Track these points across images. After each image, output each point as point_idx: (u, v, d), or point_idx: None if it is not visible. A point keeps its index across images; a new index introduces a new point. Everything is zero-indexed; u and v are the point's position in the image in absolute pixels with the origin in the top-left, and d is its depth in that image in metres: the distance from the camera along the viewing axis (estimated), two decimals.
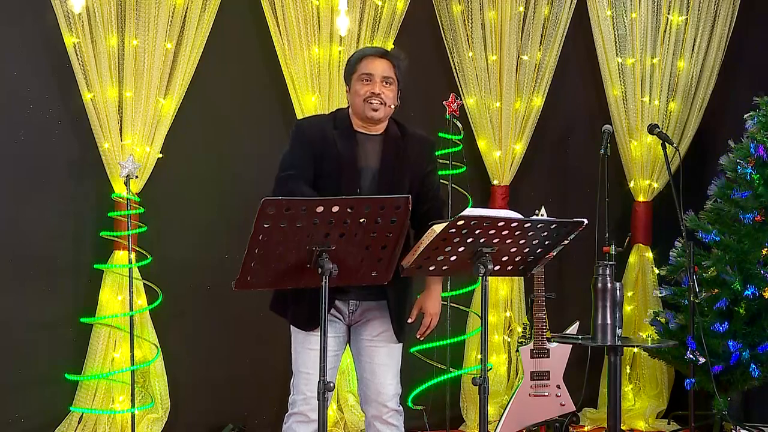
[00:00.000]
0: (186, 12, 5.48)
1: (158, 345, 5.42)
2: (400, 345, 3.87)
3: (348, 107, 3.87)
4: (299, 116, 5.61)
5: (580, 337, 4.74)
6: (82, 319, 5.32)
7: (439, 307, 3.92)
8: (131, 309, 5.17)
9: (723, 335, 5.65)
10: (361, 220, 3.25)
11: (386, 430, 3.81)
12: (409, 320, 3.85)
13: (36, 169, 5.36)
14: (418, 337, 3.91)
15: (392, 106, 3.79)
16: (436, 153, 4.07)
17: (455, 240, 3.39)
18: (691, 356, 5.38)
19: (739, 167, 5.83)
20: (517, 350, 5.68)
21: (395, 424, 3.82)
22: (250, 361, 5.75)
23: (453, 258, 3.47)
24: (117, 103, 5.36)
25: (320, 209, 3.17)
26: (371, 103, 3.73)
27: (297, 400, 3.76)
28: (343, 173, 3.71)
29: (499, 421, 5.51)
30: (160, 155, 5.46)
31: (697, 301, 5.47)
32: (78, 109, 5.33)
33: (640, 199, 6.56)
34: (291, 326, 3.83)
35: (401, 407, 3.85)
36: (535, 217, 4.54)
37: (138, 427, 5.31)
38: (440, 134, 5.69)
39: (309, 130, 3.85)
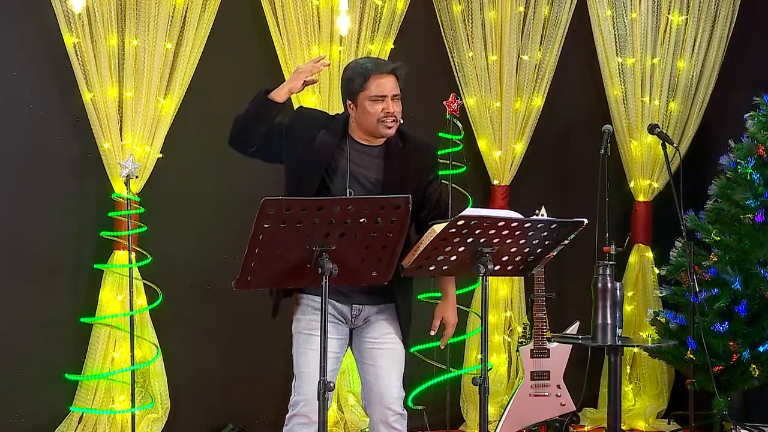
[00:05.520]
0: (186, 12, 5.48)
1: (158, 345, 5.42)
2: (403, 347, 3.87)
3: (347, 114, 3.84)
4: None
5: (580, 337, 4.75)
6: (82, 319, 5.32)
7: (457, 316, 3.94)
8: (131, 309, 5.17)
9: (723, 335, 5.65)
10: (362, 220, 3.25)
11: None
12: (432, 332, 3.85)
13: (36, 169, 5.35)
14: (441, 348, 3.98)
15: (401, 121, 3.79)
16: (437, 153, 4.07)
17: (455, 240, 3.40)
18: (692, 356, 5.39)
19: (739, 167, 5.84)
20: (517, 350, 5.69)
21: (399, 429, 3.79)
22: (250, 361, 5.75)
23: (453, 258, 3.47)
24: (117, 103, 5.36)
25: (320, 209, 3.17)
26: (385, 121, 3.73)
27: (299, 402, 3.72)
28: (314, 170, 3.71)
29: (499, 421, 5.51)
30: (160, 155, 5.46)
31: (697, 301, 5.48)
32: (78, 109, 5.33)
33: (640, 199, 6.56)
34: (293, 328, 3.82)
35: (405, 411, 3.83)
36: (535, 217, 4.54)
37: (138, 427, 5.31)
38: (440, 134, 5.70)
39: (303, 118, 3.91)
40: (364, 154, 3.78)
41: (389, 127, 3.73)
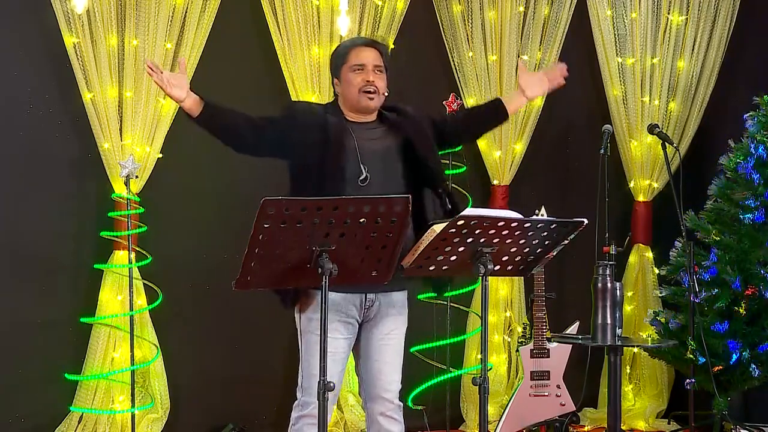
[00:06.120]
0: (186, 12, 5.48)
1: (158, 345, 5.42)
2: (403, 338, 3.88)
3: (336, 100, 3.87)
4: None
5: (580, 337, 4.74)
6: (82, 319, 5.32)
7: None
8: (131, 309, 5.17)
9: (723, 335, 5.65)
10: (361, 220, 3.25)
11: (391, 425, 3.81)
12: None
13: (36, 169, 5.36)
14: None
15: (385, 94, 3.81)
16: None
17: (455, 240, 3.40)
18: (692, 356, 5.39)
19: (739, 167, 5.84)
20: (517, 350, 5.69)
21: (397, 419, 3.83)
22: (250, 361, 5.75)
23: (453, 258, 3.47)
24: (117, 103, 5.36)
25: (320, 209, 3.18)
26: (367, 92, 3.75)
27: (309, 403, 3.70)
28: (327, 154, 3.70)
29: (499, 421, 5.52)
30: (160, 155, 5.46)
31: (697, 301, 5.48)
32: (78, 109, 5.33)
33: (640, 199, 6.56)
34: (303, 327, 3.77)
35: (401, 402, 3.87)
36: (535, 217, 4.54)
37: (138, 427, 5.31)
38: None
39: (300, 105, 4.03)
40: (364, 130, 3.79)
41: (371, 98, 3.76)
